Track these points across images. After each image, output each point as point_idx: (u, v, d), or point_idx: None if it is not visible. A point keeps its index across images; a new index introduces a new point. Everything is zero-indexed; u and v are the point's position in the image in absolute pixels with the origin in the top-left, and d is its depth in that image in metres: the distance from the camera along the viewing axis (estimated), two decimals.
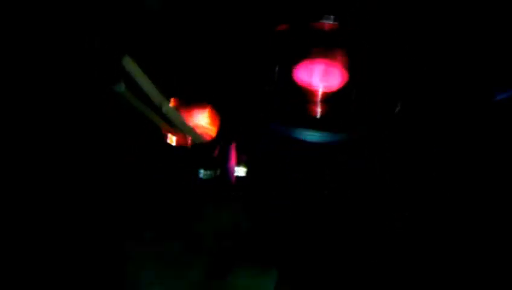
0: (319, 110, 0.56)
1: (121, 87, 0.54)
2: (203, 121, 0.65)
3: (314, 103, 0.57)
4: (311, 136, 0.52)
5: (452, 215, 0.75)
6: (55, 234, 0.73)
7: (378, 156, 0.57)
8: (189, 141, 0.63)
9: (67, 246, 0.71)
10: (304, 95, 0.57)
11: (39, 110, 0.90)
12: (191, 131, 0.62)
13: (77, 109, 0.90)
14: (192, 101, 0.65)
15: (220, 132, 0.64)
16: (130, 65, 0.54)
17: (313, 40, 0.60)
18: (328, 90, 0.56)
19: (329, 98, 0.56)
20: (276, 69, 0.58)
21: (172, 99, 0.62)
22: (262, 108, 0.58)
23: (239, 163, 0.67)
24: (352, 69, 0.58)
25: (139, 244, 0.71)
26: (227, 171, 0.67)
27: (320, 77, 0.59)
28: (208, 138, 0.64)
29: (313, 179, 0.57)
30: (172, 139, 0.62)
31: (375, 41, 0.64)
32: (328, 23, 0.65)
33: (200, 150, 0.64)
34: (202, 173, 0.65)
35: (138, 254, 0.70)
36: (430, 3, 0.93)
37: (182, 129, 0.61)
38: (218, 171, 0.66)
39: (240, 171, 0.67)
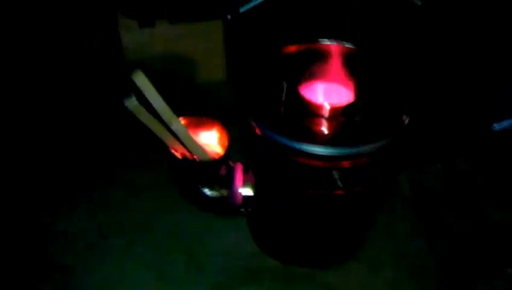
0: (325, 126, 0.57)
1: (131, 102, 0.54)
2: (211, 139, 0.66)
3: (320, 119, 0.57)
4: (317, 150, 0.52)
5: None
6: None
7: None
8: (196, 159, 0.62)
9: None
10: (310, 111, 0.57)
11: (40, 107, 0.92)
12: (198, 149, 0.62)
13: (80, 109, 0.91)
14: (201, 119, 0.65)
15: (227, 151, 0.64)
16: (141, 80, 0.55)
17: (319, 61, 0.62)
18: (334, 107, 0.56)
19: (335, 115, 0.57)
20: (284, 85, 0.59)
21: (181, 117, 0.62)
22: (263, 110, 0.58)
23: (246, 183, 0.66)
24: (358, 88, 0.59)
25: (136, 260, 0.71)
26: (233, 191, 0.66)
27: (326, 96, 0.60)
28: (215, 157, 0.64)
29: (310, 178, 0.57)
30: (179, 156, 0.62)
31: (381, 62, 0.66)
32: (334, 44, 0.67)
33: (206, 169, 0.64)
34: (208, 191, 0.65)
35: (137, 270, 0.70)
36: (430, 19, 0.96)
37: (190, 147, 0.61)
38: (224, 191, 0.66)
39: (246, 191, 0.66)
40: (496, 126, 0.91)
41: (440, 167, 0.86)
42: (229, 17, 1.01)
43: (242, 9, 1.03)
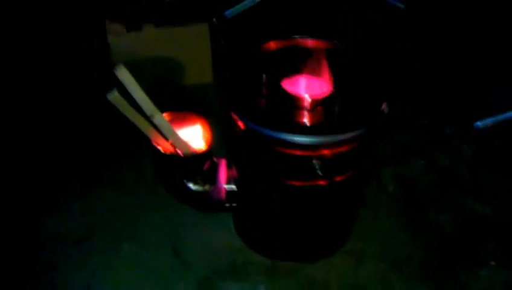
0: (306, 117, 0.58)
1: (113, 96, 0.55)
2: (194, 134, 0.67)
3: (301, 110, 0.58)
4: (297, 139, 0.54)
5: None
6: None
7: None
8: (179, 153, 0.63)
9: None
10: (291, 102, 0.59)
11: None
12: (181, 143, 0.63)
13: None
14: (184, 115, 0.66)
15: (210, 146, 0.65)
16: (124, 75, 0.56)
17: (300, 56, 0.63)
18: (314, 98, 0.58)
19: (316, 106, 0.58)
20: (264, 77, 0.60)
21: (165, 113, 0.63)
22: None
23: (229, 179, 0.67)
24: (337, 80, 0.60)
25: (123, 257, 0.71)
26: (217, 186, 0.67)
27: (307, 88, 0.62)
28: (199, 152, 0.64)
29: (292, 169, 0.58)
30: (162, 150, 0.63)
31: (358, 57, 0.68)
32: (313, 40, 0.68)
33: (189, 163, 0.64)
34: (192, 185, 0.66)
35: (124, 267, 0.70)
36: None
37: (172, 140, 0.62)
38: (208, 186, 0.67)
39: (230, 186, 0.67)
40: (479, 124, 0.93)
41: (423, 163, 0.87)
42: (215, 21, 1.02)
43: (228, 14, 1.05)
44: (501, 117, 0.93)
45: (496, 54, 1.08)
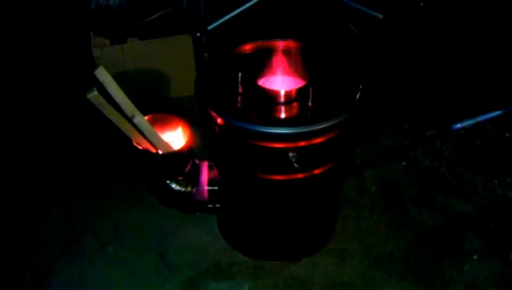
0: (281, 110, 0.60)
1: (93, 95, 0.56)
2: (175, 135, 0.68)
3: (276, 105, 0.60)
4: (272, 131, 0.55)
5: None
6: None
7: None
8: (159, 152, 0.64)
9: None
10: (266, 97, 0.60)
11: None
12: (161, 142, 0.64)
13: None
14: (165, 116, 0.67)
15: (191, 146, 0.66)
16: (104, 76, 0.57)
17: (273, 57, 0.65)
18: (287, 91, 0.59)
19: (290, 99, 0.60)
20: (240, 75, 0.62)
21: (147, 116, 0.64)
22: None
23: (211, 179, 0.68)
24: (309, 77, 0.62)
25: (108, 260, 0.71)
26: (199, 187, 0.68)
27: (279, 84, 0.63)
28: (179, 151, 0.65)
29: (269, 162, 0.60)
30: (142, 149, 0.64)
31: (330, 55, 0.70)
32: (285, 42, 0.70)
33: (170, 161, 0.65)
34: (174, 185, 0.66)
35: (109, 269, 0.70)
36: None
37: (152, 140, 0.63)
38: (190, 187, 0.68)
39: (212, 186, 0.68)
40: (458, 125, 0.95)
41: (405, 164, 0.88)
42: (198, 34, 1.05)
43: (210, 27, 1.08)
44: (480, 118, 0.95)
45: (473, 59, 1.11)
